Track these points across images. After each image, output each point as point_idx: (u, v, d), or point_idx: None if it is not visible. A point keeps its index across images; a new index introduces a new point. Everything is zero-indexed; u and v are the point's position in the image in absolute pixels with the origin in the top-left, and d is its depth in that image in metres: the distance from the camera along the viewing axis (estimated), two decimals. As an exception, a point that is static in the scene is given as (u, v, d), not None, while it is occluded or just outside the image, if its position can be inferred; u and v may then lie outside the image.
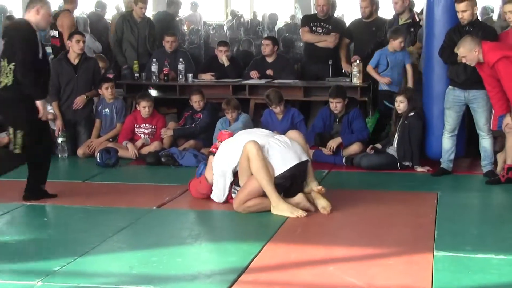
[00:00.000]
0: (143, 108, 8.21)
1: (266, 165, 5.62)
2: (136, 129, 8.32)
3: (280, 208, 5.59)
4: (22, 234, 5.33)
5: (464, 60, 6.57)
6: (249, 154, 5.65)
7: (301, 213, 5.54)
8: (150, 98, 8.41)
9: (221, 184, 5.93)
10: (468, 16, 6.80)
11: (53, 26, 9.13)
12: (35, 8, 5.93)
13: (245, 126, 7.97)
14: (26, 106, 5.91)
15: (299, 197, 5.67)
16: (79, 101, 8.40)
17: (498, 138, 7.25)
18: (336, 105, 7.73)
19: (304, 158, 5.77)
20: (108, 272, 4.43)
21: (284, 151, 5.71)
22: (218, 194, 5.97)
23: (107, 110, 8.50)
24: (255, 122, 8.24)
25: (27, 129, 5.89)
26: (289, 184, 5.73)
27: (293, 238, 5.16)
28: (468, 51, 6.47)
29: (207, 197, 6.12)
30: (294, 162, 5.69)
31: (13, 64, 5.76)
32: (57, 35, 9.12)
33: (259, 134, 5.93)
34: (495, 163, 7.00)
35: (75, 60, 8.46)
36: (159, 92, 9.32)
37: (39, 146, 6.04)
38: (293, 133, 6.11)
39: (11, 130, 5.89)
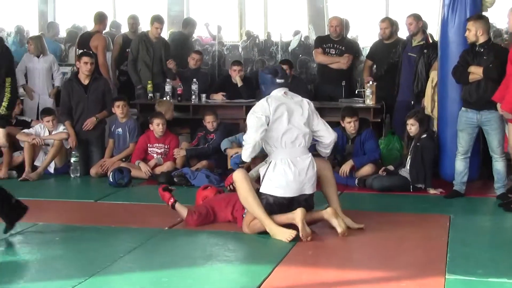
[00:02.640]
0: (157, 125, 8.26)
1: (253, 192, 5.64)
2: (149, 149, 8.37)
3: (272, 232, 5.58)
4: (33, 254, 5.34)
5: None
6: (235, 182, 5.70)
7: (292, 235, 5.47)
8: (163, 116, 8.47)
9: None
10: (471, 36, 6.81)
11: (86, 47, 9.27)
12: None
13: None
14: None
15: (297, 214, 5.57)
16: (89, 122, 8.46)
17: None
18: (354, 124, 7.73)
19: (308, 191, 5.72)
20: (118, 292, 4.45)
21: (292, 179, 5.62)
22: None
23: (120, 129, 8.56)
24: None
25: None
26: (288, 205, 5.68)
27: (304, 259, 5.16)
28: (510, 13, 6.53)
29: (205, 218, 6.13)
30: (293, 194, 5.65)
31: None
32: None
33: (298, 134, 5.71)
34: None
35: (85, 81, 8.55)
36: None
37: None
38: (322, 165, 5.95)
39: None
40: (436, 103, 7.76)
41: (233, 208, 6.07)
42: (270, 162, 5.70)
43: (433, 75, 7.85)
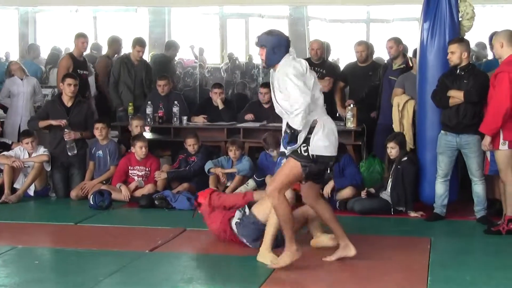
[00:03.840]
0: (140, 148, 8.26)
1: (291, 216, 5.45)
2: (130, 171, 8.35)
3: (263, 254, 5.55)
4: (12, 278, 5.31)
5: (493, 50, 6.77)
6: (277, 202, 5.51)
7: (277, 265, 5.39)
8: (146, 139, 8.49)
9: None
10: (455, 58, 6.86)
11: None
12: None
13: (250, 168, 8.07)
14: None
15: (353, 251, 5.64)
16: (72, 134, 8.41)
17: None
18: None
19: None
20: (98, 316, 4.43)
21: (336, 136, 5.41)
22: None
23: (100, 152, 8.55)
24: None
25: None
26: (325, 170, 5.49)
27: (286, 282, 5.17)
28: (496, 41, 6.59)
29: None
30: (336, 153, 5.43)
31: None
32: None
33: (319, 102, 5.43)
34: (488, 207, 7.05)
35: (68, 103, 8.55)
36: (154, 135, 9.38)
37: None
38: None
39: None
40: (405, 127, 7.85)
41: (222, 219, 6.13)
42: (315, 124, 5.29)
43: (398, 100, 7.96)
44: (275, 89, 5.39)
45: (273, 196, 5.34)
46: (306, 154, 5.29)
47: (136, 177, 8.32)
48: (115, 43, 10.28)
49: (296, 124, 5.20)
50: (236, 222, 6.05)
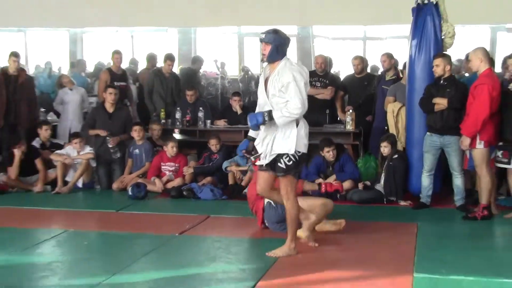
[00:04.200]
0: (171, 147, 8.36)
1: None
2: (162, 167, 8.45)
3: (290, 245, 5.35)
4: (65, 255, 5.42)
5: (469, 64, 6.73)
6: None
7: (277, 253, 5.32)
8: (175, 140, 8.59)
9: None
10: (439, 70, 6.88)
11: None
12: None
13: None
14: None
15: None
16: (114, 140, 8.54)
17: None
18: (332, 152, 7.74)
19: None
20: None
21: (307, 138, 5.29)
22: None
23: (137, 150, 8.64)
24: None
25: None
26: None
27: (295, 261, 5.22)
28: (475, 57, 6.54)
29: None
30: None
31: None
32: None
33: None
34: (466, 197, 7.08)
35: (110, 109, 8.66)
36: (182, 136, 9.47)
37: None
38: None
39: None
40: (400, 130, 7.89)
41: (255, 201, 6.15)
42: (297, 123, 5.18)
43: (392, 106, 7.98)
44: (271, 85, 5.17)
45: (285, 199, 5.28)
46: (290, 162, 5.13)
47: (167, 172, 8.41)
48: (152, 58, 10.54)
49: (282, 123, 5.08)
50: (268, 201, 5.94)
